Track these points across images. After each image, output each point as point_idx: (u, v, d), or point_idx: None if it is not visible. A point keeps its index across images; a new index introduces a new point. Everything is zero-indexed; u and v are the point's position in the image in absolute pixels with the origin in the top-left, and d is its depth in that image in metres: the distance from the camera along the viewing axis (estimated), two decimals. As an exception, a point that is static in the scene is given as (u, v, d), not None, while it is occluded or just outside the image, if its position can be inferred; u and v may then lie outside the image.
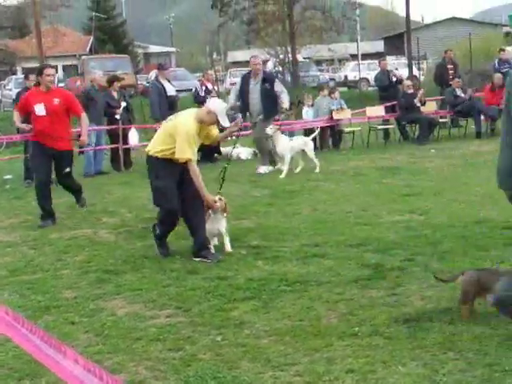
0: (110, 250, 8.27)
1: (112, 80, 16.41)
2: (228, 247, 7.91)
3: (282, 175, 13.59)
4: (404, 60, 41.47)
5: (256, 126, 14.60)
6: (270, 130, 13.90)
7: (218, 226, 7.96)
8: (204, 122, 7.78)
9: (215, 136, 8.32)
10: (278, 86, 14.64)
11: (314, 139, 18.47)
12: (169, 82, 16.88)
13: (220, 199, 7.96)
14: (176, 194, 7.76)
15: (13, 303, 6.31)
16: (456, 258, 6.95)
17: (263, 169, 14.47)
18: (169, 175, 7.71)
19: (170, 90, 16.49)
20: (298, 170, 14.13)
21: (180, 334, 5.38)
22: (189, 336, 5.34)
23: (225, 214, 8.04)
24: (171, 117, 8.05)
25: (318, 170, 13.98)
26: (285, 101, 14.46)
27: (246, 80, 14.70)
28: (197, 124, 7.70)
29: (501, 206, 9.35)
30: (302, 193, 11.76)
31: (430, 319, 5.31)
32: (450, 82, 19.65)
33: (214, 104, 8.03)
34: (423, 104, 18.41)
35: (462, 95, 18.95)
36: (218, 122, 7.94)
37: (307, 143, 14.34)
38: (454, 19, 62.41)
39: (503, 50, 22.11)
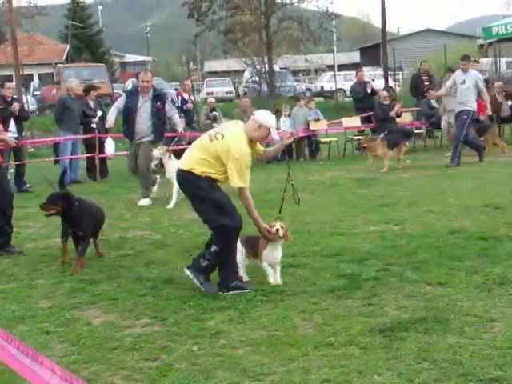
0: (86, 260, 8.23)
1: (88, 89, 16.38)
2: (279, 279, 6.91)
3: (170, 205, 11.76)
4: (380, 71, 41.69)
5: (141, 149, 12.57)
6: (157, 151, 12.30)
7: (276, 254, 6.95)
8: (254, 138, 6.81)
9: (261, 152, 7.26)
10: (170, 106, 13.38)
11: (291, 149, 18.57)
12: None
13: (281, 227, 7.01)
14: (235, 207, 6.89)
15: (-13, 313, 6.28)
16: (430, 268, 7.00)
17: (146, 201, 12.46)
18: (218, 188, 6.86)
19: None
20: None
21: (156, 344, 5.37)
22: (165, 346, 5.33)
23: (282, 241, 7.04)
24: (214, 131, 6.87)
25: (170, 206, 11.79)
26: (177, 122, 13.42)
27: (131, 97, 12.74)
28: (248, 143, 6.73)
29: (475, 217, 9.48)
30: (278, 202, 11.74)
31: (406, 329, 5.33)
32: (426, 94, 19.79)
33: (264, 116, 6.91)
34: (399, 116, 18.53)
35: (437, 106, 19.09)
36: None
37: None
38: (429, 31, 63.04)
39: (477, 62, 22.33)
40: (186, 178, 6.78)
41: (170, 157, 12.38)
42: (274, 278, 6.86)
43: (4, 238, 8.85)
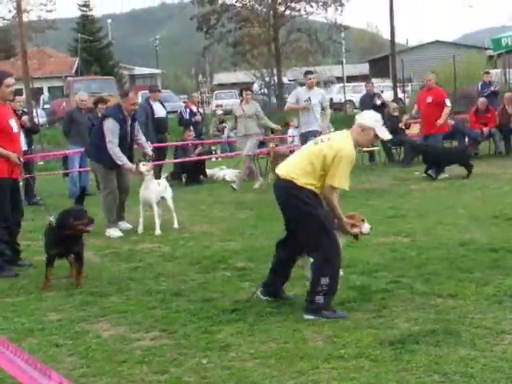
0: (96, 272, 8.24)
1: (96, 102, 16.43)
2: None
3: (157, 231, 10.68)
4: (389, 83, 41.69)
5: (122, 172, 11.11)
6: (143, 166, 10.88)
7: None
8: (360, 142, 6.49)
9: None
10: (137, 126, 11.47)
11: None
12: (161, 103, 16.96)
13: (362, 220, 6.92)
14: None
15: (-4, 326, 6.28)
16: (441, 280, 6.97)
17: (116, 229, 10.91)
18: (321, 204, 6.38)
19: (159, 112, 16.54)
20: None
21: (165, 357, 5.36)
22: (174, 358, 5.31)
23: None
24: (320, 138, 6.64)
25: (176, 226, 11.08)
26: (146, 147, 11.61)
27: (123, 120, 10.82)
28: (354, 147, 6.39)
29: (485, 229, 9.44)
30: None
31: (416, 341, 5.31)
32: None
33: (369, 117, 6.62)
34: (408, 127, 18.51)
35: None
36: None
37: (167, 189, 11.30)
38: (438, 42, 63.02)
39: (487, 73, 22.32)
40: (286, 187, 6.28)
41: (151, 175, 11.06)
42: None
43: (13, 253, 8.84)
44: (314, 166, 6.20)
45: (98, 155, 10.88)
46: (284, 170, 6.37)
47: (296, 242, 6.47)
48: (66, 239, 7.79)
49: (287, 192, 6.27)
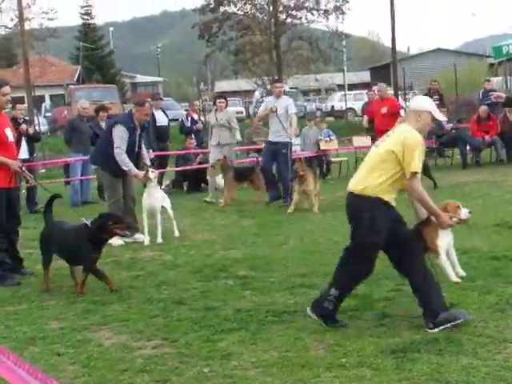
0: (97, 281, 8.22)
1: (97, 110, 16.45)
2: (460, 269, 6.91)
3: (159, 239, 10.70)
4: (390, 90, 41.72)
5: (128, 180, 11.05)
6: (151, 173, 10.79)
7: (450, 238, 7.01)
8: (421, 129, 6.19)
9: None
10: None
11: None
12: (163, 111, 16.99)
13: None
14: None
15: (-2, 334, 6.28)
16: (443, 288, 6.95)
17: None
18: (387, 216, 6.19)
19: (161, 120, 16.57)
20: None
21: (167, 366, 5.35)
22: (176, 367, 5.31)
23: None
24: (378, 143, 6.40)
25: (177, 234, 11.05)
26: (146, 158, 11.40)
27: (133, 129, 10.76)
28: None
29: (487, 236, 9.43)
30: (289, 223, 11.78)
31: (418, 350, 5.30)
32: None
33: (423, 101, 6.45)
34: None
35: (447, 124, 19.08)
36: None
37: (165, 198, 11.23)
38: (439, 50, 63.11)
39: (488, 81, 22.36)
40: (357, 202, 6.11)
41: (155, 183, 11.00)
42: (455, 271, 6.78)
43: (14, 261, 8.82)
44: (387, 160, 6.00)
45: (105, 163, 10.85)
46: (354, 184, 6.17)
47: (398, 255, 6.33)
48: (101, 242, 7.89)
49: (358, 206, 6.14)
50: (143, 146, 11.39)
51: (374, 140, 17.72)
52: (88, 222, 7.88)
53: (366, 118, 17.70)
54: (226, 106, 15.41)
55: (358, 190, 6.08)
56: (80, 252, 7.82)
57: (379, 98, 16.97)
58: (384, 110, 16.24)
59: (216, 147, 14.77)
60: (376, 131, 16.73)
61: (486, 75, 35.15)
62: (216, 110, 15.32)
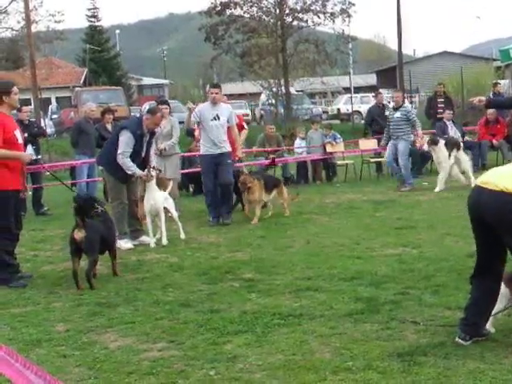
0: (103, 283, 8.24)
1: (103, 112, 16.47)
2: None
3: (164, 240, 10.69)
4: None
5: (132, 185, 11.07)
6: (153, 171, 10.84)
7: None
8: None
9: None
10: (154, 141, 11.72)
11: (306, 172, 18.61)
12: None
13: None
14: None
15: (4, 336, 6.28)
16: (449, 292, 6.95)
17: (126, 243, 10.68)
18: None
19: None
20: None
21: (173, 368, 5.34)
22: (182, 370, 5.30)
23: None
24: None
25: (183, 237, 11.04)
26: (152, 160, 11.26)
27: (140, 136, 10.72)
28: None
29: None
30: (295, 225, 11.78)
31: (424, 353, 5.29)
32: (440, 116, 19.75)
33: None
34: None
35: (453, 128, 19.05)
36: None
37: (168, 199, 11.16)
38: (445, 53, 63.04)
39: (497, 84, 22.33)
40: (500, 201, 5.31)
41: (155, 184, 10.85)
42: None
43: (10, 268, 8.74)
44: None
45: (110, 166, 10.81)
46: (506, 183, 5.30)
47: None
48: None
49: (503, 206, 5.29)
50: (152, 149, 11.36)
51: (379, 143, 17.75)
52: None
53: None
54: (170, 112, 13.92)
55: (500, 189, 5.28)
56: None
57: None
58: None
59: (159, 159, 12.86)
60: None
61: (493, 78, 35.09)
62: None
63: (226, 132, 12.32)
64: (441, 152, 15.45)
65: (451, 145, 15.72)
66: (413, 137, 16.66)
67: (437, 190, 15.07)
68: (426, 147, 15.62)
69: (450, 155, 15.48)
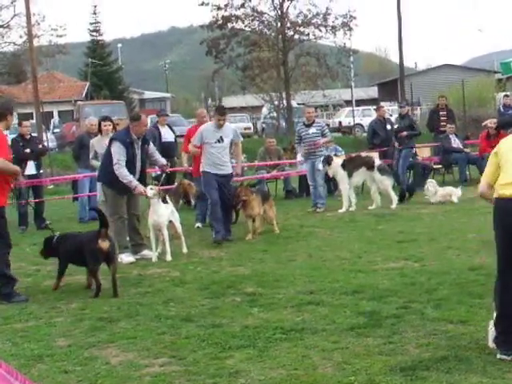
0: (105, 297, 8.23)
1: (100, 123, 16.44)
2: None
3: (168, 256, 10.61)
4: (398, 106, 41.73)
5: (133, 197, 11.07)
6: (150, 191, 10.69)
7: None
8: None
9: None
10: (152, 145, 11.67)
11: (307, 185, 18.59)
12: (170, 127, 16.98)
13: None
14: None
15: (5, 352, 6.27)
16: (451, 306, 6.93)
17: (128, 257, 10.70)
18: None
19: (167, 136, 16.57)
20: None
21: (174, 383, 5.33)
22: (183, 385, 5.29)
23: None
24: None
25: (185, 251, 11.08)
26: (162, 161, 11.51)
27: (130, 143, 10.75)
28: None
29: (495, 253, 9.36)
30: (296, 239, 11.76)
31: (427, 368, 5.27)
32: (443, 129, 19.75)
33: None
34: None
35: (456, 141, 19.06)
36: None
37: (174, 212, 11.24)
38: (446, 66, 63.12)
39: (507, 96, 22.33)
40: None
41: (159, 199, 10.79)
42: None
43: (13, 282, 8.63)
44: None
45: (109, 180, 10.87)
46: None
47: None
48: None
49: None
50: (157, 154, 11.45)
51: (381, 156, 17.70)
52: None
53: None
54: (114, 128, 13.54)
55: None
56: None
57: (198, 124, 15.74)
58: None
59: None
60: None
61: (494, 91, 35.16)
62: (102, 134, 13.37)
63: (228, 152, 12.18)
64: (336, 172, 15.02)
65: (360, 164, 15.19)
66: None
67: (341, 210, 14.68)
68: (320, 166, 14.94)
69: (353, 174, 14.98)
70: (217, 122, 12.00)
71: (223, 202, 12.02)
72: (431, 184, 15.45)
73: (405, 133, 17.24)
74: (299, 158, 19.85)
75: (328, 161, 14.98)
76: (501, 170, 5.65)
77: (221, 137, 11.93)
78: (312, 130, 15.26)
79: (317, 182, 15.28)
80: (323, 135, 15.35)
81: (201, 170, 12.24)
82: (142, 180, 10.96)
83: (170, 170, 16.69)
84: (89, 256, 8.46)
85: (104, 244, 8.41)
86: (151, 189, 10.80)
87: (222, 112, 12.18)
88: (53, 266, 10.34)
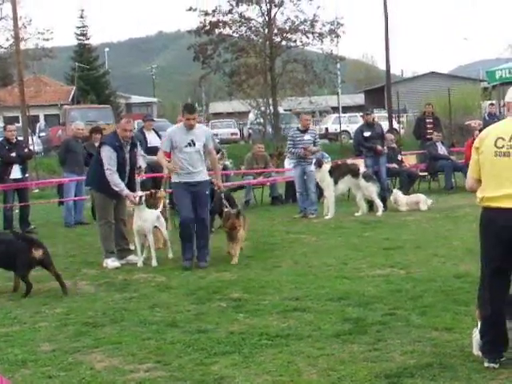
0: (90, 302, 8.20)
1: (91, 131, 16.42)
2: None
3: (154, 262, 10.54)
4: (384, 113, 41.85)
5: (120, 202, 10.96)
6: (140, 200, 10.62)
7: None
8: None
9: None
10: (140, 149, 11.58)
11: (294, 191, 18.58)
12: (156, 132, 16.93)
13: None
14: None
15: (-11, 356, 6.23)
16: (437, 313, 6.95)
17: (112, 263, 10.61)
18: None
19: (153, 141, 16.53)
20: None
21: (159, 389, 5.32)
22: (168, 391, 5.27)
23: None
24: (502, 149, 5.44)
25: (171, 256, 11.09)
26: (140, 161, 11.39)
27: (119, 147, 10.62)
28: None
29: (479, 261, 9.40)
30: (282, 245, 11.76)
31: (412, 375, 5.28)
32: (430, 136, 19.81)
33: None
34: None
35: (443, 148, 19.13)
36: None
37: (159, 218, 11.17)
38: (433, 74, 63.40)
39: (492, 104, 22.47)
40: None
41: (140, 203, 10.59)
42: None
43: None
44: None
45: (99, 184, 10.81)
46: None
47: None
48: None
49: None
50: (139, 159, 11.29)
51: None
52: None
53: None
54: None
55: None
56: None
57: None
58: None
59: None
60: None
61: (480, 99, 35.29)
62: None
63: (203, 158, 10.54)
64: (323, 176, 15.09)
65: (346, 171, 15.31)
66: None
67: (328, 217, 14.76)
68: (313, 167, 15.10)
69: (338, 181, 15.11)
70: (186, 123, 10.35)
71: (197, 222, 10.45)
72: (398, 193, 15.62)
73: (384, 148, 16.95)
74: (287, 164, 19.90)
75: (319, 164, 15.12)
76: (482, 175, 5.58)
77: (192, 140, 10.29)
78: (307, 137, 15.40)
79: (309, 189, 15.29)
80: (314, 144, 15.46)
81: (172, 180, 10.90)
82: (131, 185, 10.91)
83: (157, 175, 16.70)
84: (20, 264, 8.62)
85: (37, 253, 8.57)
86: (141, 197, 10.69)
87: (190, 110, 10.50)
88: (37, 271, 10.30)
